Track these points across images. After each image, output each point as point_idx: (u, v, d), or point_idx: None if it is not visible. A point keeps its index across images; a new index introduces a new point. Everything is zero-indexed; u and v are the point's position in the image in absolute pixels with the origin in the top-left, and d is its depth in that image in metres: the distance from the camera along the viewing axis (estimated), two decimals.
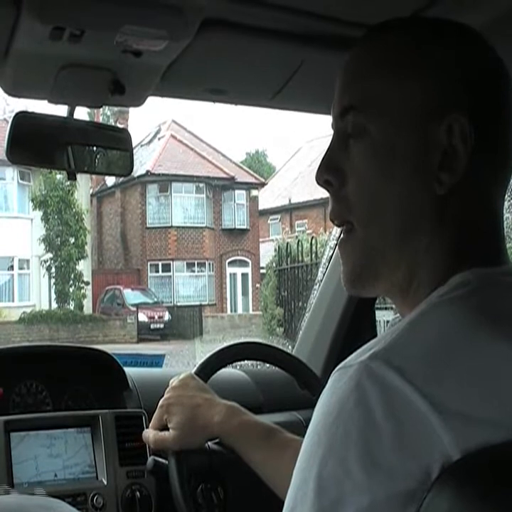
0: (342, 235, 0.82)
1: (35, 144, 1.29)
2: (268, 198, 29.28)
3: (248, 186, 25.84)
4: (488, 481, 0.62)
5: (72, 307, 21.02)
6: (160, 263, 24.38)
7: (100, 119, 18.05)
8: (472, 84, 0.76)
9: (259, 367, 1.91)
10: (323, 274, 1.91)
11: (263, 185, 27.38)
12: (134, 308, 21.03)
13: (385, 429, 0.63)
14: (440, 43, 0.78)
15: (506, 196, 0.82)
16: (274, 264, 13.28)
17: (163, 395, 1.24)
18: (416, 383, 0.64)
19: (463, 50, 0.78)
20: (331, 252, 1.90)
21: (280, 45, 1.13)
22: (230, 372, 1.72)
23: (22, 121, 1.27)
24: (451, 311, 0.70)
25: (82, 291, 21.40)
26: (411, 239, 0.77)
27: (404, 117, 0.76)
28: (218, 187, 25.06)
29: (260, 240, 26.00)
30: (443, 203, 0.76)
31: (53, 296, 21.44)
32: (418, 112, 0.76)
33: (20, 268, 22.10)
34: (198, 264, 24.67)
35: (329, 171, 0.81)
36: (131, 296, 22.27)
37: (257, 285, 21.74)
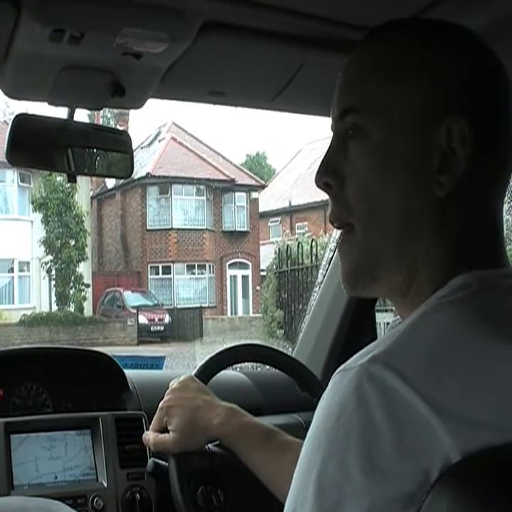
0: (341, 236, 0.82)
1: (35, 146, 1.28)
2: (268, 201, 29.06)
3: (248, 188, 25.65)
4: (487, 483, 0.62)
5: (72, 309, 20.91)
6: (160, 265, 24.22)
7: (100, 121, 17.97)
8: (472, 86, 0.76)
9: (259, 369, 1.90)
10: (324, 277, 1.91)
11: (263, 187, 27.19)
12: (134, 311, 20.90)
13: (385, 431, 0.63)
14: (440, 45, 0.78)
15: (507, 198, 0.82)
16: (274, 267, 13.25)
17: (163, 397, 1.24)
18: (416, 386, 0.64)
19: (463, 51, 0.78)
20: (331, 254, 1.89)
21: (280, 48, 1.13)
22: (229, 374, 1.72)
23: (22, 123, 1.26)
24: (452, 313, 0.70)
25: (83, 293, 21.27)
26: (411, 241, 0.77)
27: (404, 119, 0.76)
28: (218, 189, 24.87)
29: (260, 242, 25.81)
30: (443, 205, 0.76)
31: (54, 298, 21.34)
32: (418, 113, 0.76)
33: (21, 270, 21.93)
34: (198, 266, 24.49)
35: (328, 174, 0.81)
36: (132, 298, 22.12)
37: (258, 287, 21.57)
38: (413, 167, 0.76)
